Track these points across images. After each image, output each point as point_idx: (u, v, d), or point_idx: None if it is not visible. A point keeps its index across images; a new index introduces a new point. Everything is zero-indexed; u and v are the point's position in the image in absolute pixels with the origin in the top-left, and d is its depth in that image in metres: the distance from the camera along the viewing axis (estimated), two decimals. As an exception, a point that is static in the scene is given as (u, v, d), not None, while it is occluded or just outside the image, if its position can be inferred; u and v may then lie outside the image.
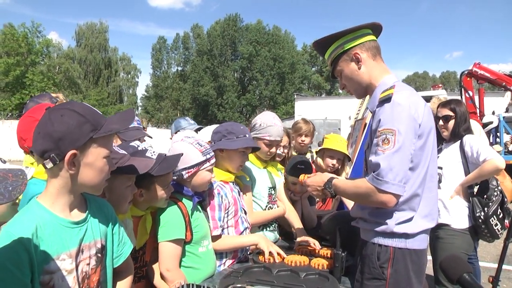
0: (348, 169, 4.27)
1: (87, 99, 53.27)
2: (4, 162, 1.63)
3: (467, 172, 3.74)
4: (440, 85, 16.62)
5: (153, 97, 66.94)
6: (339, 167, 4.09)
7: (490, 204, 3.64)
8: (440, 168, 3.82)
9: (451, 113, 3.91)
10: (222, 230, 2.80)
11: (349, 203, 4.26)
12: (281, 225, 3.59)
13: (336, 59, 2.41)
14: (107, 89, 62.73)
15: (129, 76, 70.02)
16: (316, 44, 2.51)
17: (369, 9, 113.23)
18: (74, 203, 1.66)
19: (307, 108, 35.92)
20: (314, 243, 3.04)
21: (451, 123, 3.91)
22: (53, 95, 2.96)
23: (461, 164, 3.77)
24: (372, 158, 2.12)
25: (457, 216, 3.73)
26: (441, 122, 3.94)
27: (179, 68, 68.79)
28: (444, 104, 4.01)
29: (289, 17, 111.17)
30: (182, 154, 2.44)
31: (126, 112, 1.80)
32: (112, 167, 1.73)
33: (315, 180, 2.56)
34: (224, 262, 2.83)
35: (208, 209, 2.77)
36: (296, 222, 3.43)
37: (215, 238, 2.74)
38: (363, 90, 2.41)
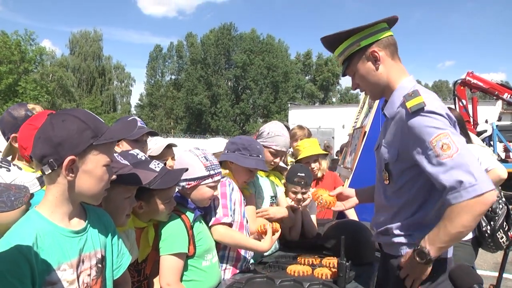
0: (324, 165, 4.29)
1: (81, 108, 53.03)
2: (20, 169, 1.63)
3: None
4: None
5: (147, 106, 66.85)
6: (319, 166, 4.17)
7: (496, 218, 3.53)
8: None
9: None
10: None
11: (350, 212, 4.28)
12: (281, 234, 3.56)
13: (350, 57, 2.24)
14: (101, 97, 62.58)
15: (123, 84, 69.92)
16: (325, 39, 2.31)
17: (362, 19, 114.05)
18: (74, 212, 1.63)
19: (300, 117, 35.88)
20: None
21: None
22: (29, 106, 2.86)
23: None
24: (441, 172, 1.86)
25: None
26: None
27: (173, 77, 68.86)
28: None
29: (282, 26, 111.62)
30: (186, 169, 2.39)
31: (129, 120, 1.77)
32: (111, 176, 1.69)
33: (414, 272, 2.05)
34: (224, 270, 2.80)
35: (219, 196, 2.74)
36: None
37: (221, 228, 2.65)
38: (379, 91, 2.27)
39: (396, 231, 2.18)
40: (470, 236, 3.61)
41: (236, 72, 61.46)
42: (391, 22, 2.23)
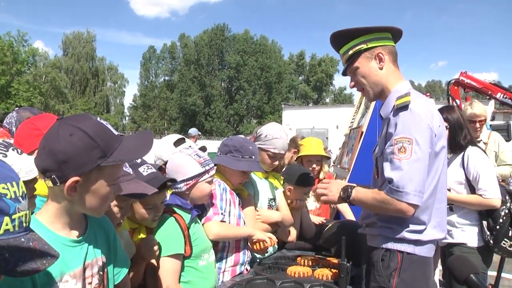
0: (327, 168, 4.40)
1: (74, 109, 52.85)
2: (21, 153, 1.53)
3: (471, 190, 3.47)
4: (428, 93, 16.78)
5: (140, 107, 66.64)
6: (320, 168, 4.22)
7: (498, 227, 3.33)
8: (449, 190, 3.43)
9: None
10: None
11: (346, 213, 4.30)
12: (279, 235, 3.54)
13: (356, 55, 2.33)
14: (94, 98, 62.37)
15: (116, 85, 69.65)
16: (335, 35, 2.41)
17: (354, 20, 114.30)
18: (75, 221, 1.56)
19: (294, 118, 35.94)
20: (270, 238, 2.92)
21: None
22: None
23: (463, 186, 3.51)
24: (388, 167, 2.11)
25: (470, 234, 3.47)
26: None
27: (166, 78, 68.70)
28: None
29: (276, 27, 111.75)
30: (172, 179, 2.37)
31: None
32: (118, 191, 1.62)
33: (331, 186, 2.42)
34: (223, 272, 2.78)
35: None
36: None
37: (213, 226, 2.64)
38: (377, 92, 2.37)
39: (379, 223, 2.28)
40: (475, 244, 3.44)
41: (230, 73, 61.42)
42: (395, 34, 2.38)
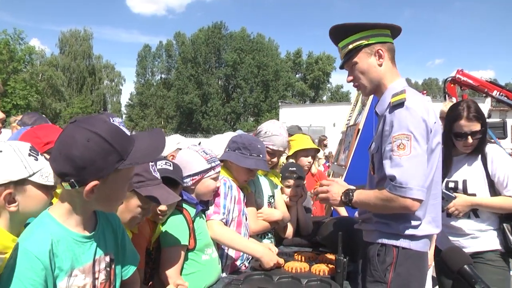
0: (317, 163, 4.49)
1: (71, 107, 52.74)
2: (47, 159, 1.59)
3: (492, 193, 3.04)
4: (425, 91, 16.80)
5: (137, 105, 66.50)
6: (313, 161, 4.29)
7: None
8: (474, 194, 3.05)
9: (480, 128, 2.98)
10: (226, 223, 2.77)
11: (340, 210, 4.35)
12: (276, 231, 3.57)
13: (355, 50, 2.35)
14: (91, 97, 62.14)
15: (113, 83, 69.31)
16: (336, 28, 2.42)
17: (351, 18, 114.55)
18: (86, 218, 1.61)
19: (291, 116, 35.90)
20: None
21: (478, 139, 3.01)
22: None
23: (486, 187, 3.05)
24: (388, 164, 2.13)
25: (489, 242, 3.03)
26: (469, 140, 2.97)
27: (163, 76, 68.57)
28: (471, 118, 2.96)
29: (272, 25, 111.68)
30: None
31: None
32: (130, 188, 1.67)
33: (333, 189, 2.41)
34: (222, 268, 2.80)
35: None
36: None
37: (215, 224, 2.66)
38: (373, 87, 2.40)
39: (375, 219, 2.31)
40: (495, 247, 3.02)
41: (227, 71, 61.40)
42: (394, 31, 2.41)
